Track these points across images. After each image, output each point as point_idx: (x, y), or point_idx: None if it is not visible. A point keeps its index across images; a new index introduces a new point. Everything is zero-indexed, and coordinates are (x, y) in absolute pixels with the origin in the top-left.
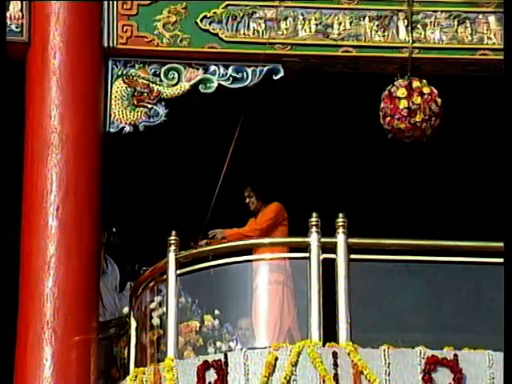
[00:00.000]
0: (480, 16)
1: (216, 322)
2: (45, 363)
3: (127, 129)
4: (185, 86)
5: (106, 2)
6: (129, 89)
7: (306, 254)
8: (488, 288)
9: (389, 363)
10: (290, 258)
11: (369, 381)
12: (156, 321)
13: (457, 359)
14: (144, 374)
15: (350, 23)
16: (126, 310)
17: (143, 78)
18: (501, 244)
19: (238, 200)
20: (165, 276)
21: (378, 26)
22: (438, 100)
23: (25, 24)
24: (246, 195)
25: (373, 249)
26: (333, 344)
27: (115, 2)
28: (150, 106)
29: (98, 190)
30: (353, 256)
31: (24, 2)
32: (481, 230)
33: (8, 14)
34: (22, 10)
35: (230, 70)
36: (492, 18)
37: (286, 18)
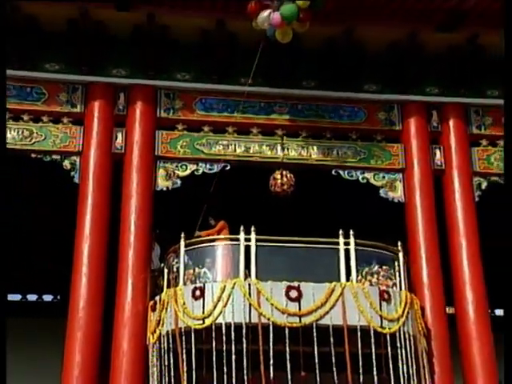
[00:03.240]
0: (315, 145)
1: (201, 270)
2: (127, 286)
3: (164, 189)
4: (188, 172)
5: (157, 138)
6: (165, 172)
7: (238, 242)
8: (318, 256)
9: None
10: (232, 244)
11: (263, 295)
12: (175, 269)
13: (299, 286)
14: (169, 292)
15: (257, 147)
16: (162, 265)
17: (171, 168)
18: (322, 239)
19: (207, 221)
20: (179, 250)
21: (269, 148)
22: (294, 179)
23: (123, 145)
24: (209, 220)
25: (268, 240)
26: (249, 280)
27: (161, 136)
28: (174, 180)
29: (151, 214)
30: (258, 243)
31: (123, 137)
32: (314, 231)
33: (116, 141)
34: (121, 141)
35: (207, 165)
36: (314, 147)
37: (231, 144)
